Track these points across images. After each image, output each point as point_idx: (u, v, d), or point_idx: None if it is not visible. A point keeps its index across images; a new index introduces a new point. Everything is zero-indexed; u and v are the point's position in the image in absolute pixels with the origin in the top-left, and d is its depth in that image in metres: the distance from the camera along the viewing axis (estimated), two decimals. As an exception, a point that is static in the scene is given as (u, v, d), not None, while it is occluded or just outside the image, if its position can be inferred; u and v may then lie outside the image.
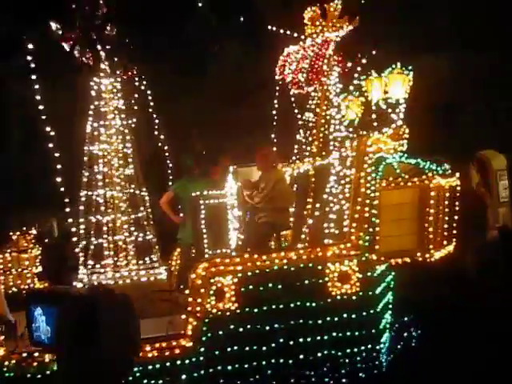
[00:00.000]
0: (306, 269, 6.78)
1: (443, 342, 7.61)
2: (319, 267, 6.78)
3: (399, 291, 8.14)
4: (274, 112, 8.90)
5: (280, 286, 6.69)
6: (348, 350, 6.81)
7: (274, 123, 8.85)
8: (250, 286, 6.65)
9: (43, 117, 6.42)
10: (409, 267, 7.51)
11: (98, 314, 5.95)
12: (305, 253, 6.86)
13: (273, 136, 8.94)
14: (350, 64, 8.15)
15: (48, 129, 6.47)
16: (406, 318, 7.88)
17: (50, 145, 6.46)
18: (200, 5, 19.75)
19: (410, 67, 7.88)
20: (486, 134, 20.74)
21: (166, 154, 8.60)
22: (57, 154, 6.36)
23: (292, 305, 6.70)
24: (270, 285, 6.68)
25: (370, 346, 6.87)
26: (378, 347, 6.92)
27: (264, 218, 7.93)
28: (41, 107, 6.41)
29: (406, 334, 7.75)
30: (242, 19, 19.71)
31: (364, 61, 7.80)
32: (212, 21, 19.79)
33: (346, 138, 7.60)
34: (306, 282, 6.73)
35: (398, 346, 7.51)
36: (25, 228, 8.22)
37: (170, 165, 8.77)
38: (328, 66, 8.11)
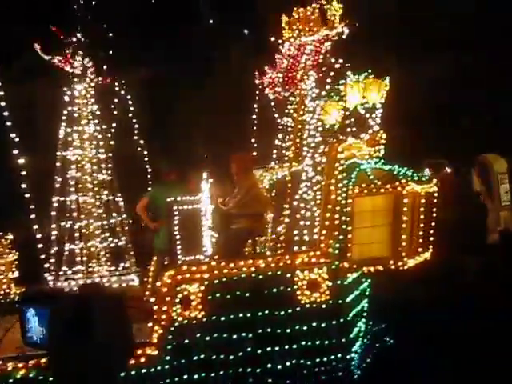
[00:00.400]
0: (274, 277, 6.68)
1: (419, 350, 7.48)
2: (288, 275, 6.68)
3: (378, 297, 8.08)
4: (254, 116, 8.79)
5: (248, 294, 6.59)
6: (317, 360, 6.70)
7: (255, 127, 8.75)
8: (217, 294, 6.56)
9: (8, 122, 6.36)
10: (387, 273, 7.38)
11: (93, 312, 5.93)
12: (273, 260, 6.74)
13: (253, 140, 8.84)
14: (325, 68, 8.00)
15: (13, 134, 6.41)
16: (382, 326, 7.75)
17: (15, 151, 6.40)
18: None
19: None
20: (487, 137, 20.57)
21: (145, 158, 8.51)
22: (21, 161, 6.31)
23: (260, 313, 6.60)
24: (238, 293, 6.59)
25: (340, 356, 6.76)
26: (348, 356, 6.82)
27: (238, 224, 7.84)
28: (6, 113, 6.35)
29: (380, 343, 7.61)
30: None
31: (337, 65, 7.64)
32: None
33: (320, 144, 7.47)
34: (275, 290, 6.64)
35: (371, 355, 7.37)
36: (1, 233, 8.17)
37: (150, 170, 8.70)
38: (304, 71, 7.97)
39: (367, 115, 7.83)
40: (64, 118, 7.56)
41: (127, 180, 8.90)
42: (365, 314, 7.53)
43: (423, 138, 21.60)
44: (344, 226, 6.88)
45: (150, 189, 8.64)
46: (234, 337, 6.55)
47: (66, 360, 5.89)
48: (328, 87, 8.08)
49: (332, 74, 7.73)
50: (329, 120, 8.56)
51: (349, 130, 7.85)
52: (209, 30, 17.78)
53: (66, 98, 7.57)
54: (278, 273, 6.69)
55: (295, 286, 6.67)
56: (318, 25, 8.00)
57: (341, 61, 7.78)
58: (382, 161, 7.66)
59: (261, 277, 6.66)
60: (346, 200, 6.93)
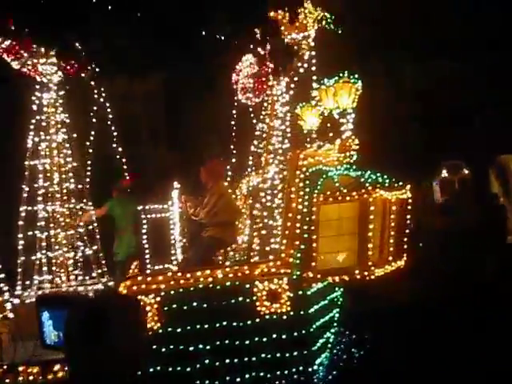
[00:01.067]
0: (232, 287, 6.48)
1: (391, 361, 7.24)
2: (246, 286, 6.48)
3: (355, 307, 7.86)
4: (233, 122, 8.62)
5: (205, 305, 6.41)
6: (277, 372, 6.48)
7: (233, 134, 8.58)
8: (174, 305, 6.39)
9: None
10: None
11: (108, 314, 5.92)
12: (231, 271, 6.55)
13: (232, 147, 8.67)
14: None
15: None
16: (353, 336, 7.48)
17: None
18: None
19: (356, 75, 7.48)
20: (504, 138, 20.08)
21: (124, 166, 8.41)
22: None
23: (217, 324, 6.41)
24: (195, 304, 6.41)
25: (301, 368, 6.53)
26: (310, 369, 6.58)
27: (209, 233, 7.69)
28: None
29: (349, 354, 7.35)
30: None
31: (302, 70, 7.43)
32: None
33: (289, 150, 7.27)
34: (233, 301, 6.44)
35: (340, 367, 7.13)
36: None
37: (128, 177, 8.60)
38: (274, 76, 7.78)
39: (341, 120, 7.62)
40: (32, 126, 7.50)
41: (103, 188, 8.83)
42: (334, 325, 7.28)
43: (439, 139, 21.17)
44: (307, 235, 6.69)
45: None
46: (191, 349, 6.38)
47: (80, 362, 5.89)
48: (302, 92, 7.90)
49: (297, 78, 7.49)
50: (306, 125, 8.39)
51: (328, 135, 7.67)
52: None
53: (34, 107, 7.51)
54: (237, 283, 6.50)
55: (254, 297, 6.47)
56: (289, 29, 7.79)
57: (305, 65, 7.55)
58: (353, 167, 7.44)
59: (218, 287, 6.47)
60: (310, 208, 6.73)
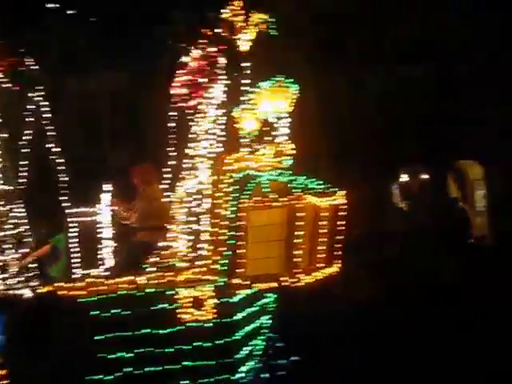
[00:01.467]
0: (155, 294, 6.33)
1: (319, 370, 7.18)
2: (169, 292, 6.34)
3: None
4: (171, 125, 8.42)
5: (127, 312, 6.25)
6: (200, 381, 6.37)
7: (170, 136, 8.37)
8: (95, 312, 6.22)
9: None
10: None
11: (50, 315, 5.81)
12: (155, 277, 6.40)
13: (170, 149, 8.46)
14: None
15: None
16: (281, 344, 7.39)
17: None
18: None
19: (292, 80, 7.37)
20: (463, 144, 20.17)
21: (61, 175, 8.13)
22: None
23: (139, 332, 6.26)
24: (117, 310, 6.24)
25: (225, 377, 6.41)
26: (234, 378, 6.46)
27: (139, 237, 7.53)
28: None
29: (277, 362, 7.25)
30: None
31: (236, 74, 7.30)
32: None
33: (215, 155, 7.13)
34: (156, 307, 6.29)
35: (264, 376, 7.02)
36: None
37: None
38: (209, 79, 7.62)
39: (276, 124, 7.51)
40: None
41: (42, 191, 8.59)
42: (264, 332, 7.18)
43: (400, 144, 21.19)
44: (234, 241, 6.55)
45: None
46: (111, 357, 6.22)
47: (25, 363, 5.80)
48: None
49: (233, 81, 7.35)
50: (245, 129, 8.24)
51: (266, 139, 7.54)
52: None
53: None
54: (160, 290, 6.36)
55: (177, 304, 6.34)
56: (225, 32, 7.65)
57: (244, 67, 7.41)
58: (287, 172, 7.33)
59: (141, 294, 6.32)
60: (237, 214, 6.59)
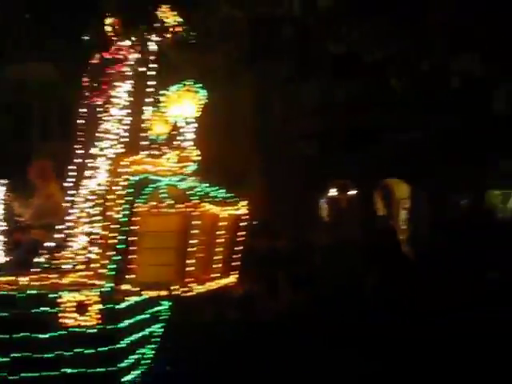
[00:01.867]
0: (36, 296, 6.04)
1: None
2: (52, 295, 6.06)
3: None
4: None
5: (4, 314, 5.95)
6: (81, 388, 6.11)
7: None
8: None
9: None
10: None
11: None
12: (38, 278, 6.12)
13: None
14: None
15: None
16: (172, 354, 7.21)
17: None
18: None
19: (200, 85, 7.22)
20: (390, 163, 20.45)
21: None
22: None
23: (17, 335, 5.96)
24: (-6, 312, 5.95)
25: (105, 385, 6.17)
26: (115, 386, 6.23)
27: (32, 236, 7.23)
28: None
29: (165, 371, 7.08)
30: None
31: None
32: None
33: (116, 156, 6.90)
34: (35, 310, 6.01)
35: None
36: None
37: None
38: (117, 77, 7.41)
39: (182, 129, 7.36)
40: None
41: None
42: (154, 340, 6.97)
43: (333, 160, 21.31)
44: (123, 246, 6.33)
45: None
46: (-14, 360, 5.91)
47: None
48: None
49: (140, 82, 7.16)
50: (155, 131, 8.05)
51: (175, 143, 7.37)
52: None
53: None
54: (41, 292, 6.08)
55: (59, 308, 6.06)
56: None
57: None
58: (191, 178, 7.17)
59: (20, 295, 6.03)
60: (130, 218, 6.37)
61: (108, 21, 7.76)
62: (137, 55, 7.51)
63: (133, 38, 7.58)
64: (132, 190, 6.44)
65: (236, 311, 11.17)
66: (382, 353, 8.44)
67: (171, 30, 7.90)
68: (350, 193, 21.78)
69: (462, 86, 18.78)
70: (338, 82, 20.17)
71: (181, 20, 7.97)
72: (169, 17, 7.96)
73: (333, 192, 22.03)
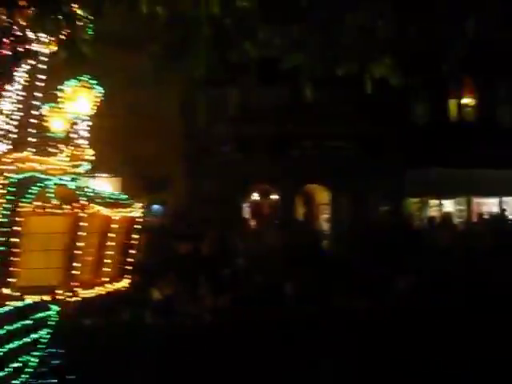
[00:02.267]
0: None
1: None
2: None
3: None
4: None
5: None
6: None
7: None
8: None
9: None
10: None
11: None
12: None
13: None
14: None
15: None
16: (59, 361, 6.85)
17: None
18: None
19: (96, 82, 6.91)
20: (312, 169, 20.54)
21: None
22: None
23: None
24: None
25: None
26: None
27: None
28: None
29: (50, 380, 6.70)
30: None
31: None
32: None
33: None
34: None
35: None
36: None
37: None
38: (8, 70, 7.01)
39: (75, 127, 7.02)
40: None
41: None
42: (40, 347, 6.59)
43: (256, 164, 21.26)
44: (5, 248, 5.94)
45: None
46: None
47: None
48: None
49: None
50: (53, 127, 7.67)
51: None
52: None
53: None
54: None
55: None
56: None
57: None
58: (80, 178, 6.84)
59: None
60: (13, 218, 6.01)
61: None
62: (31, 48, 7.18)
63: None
64: (14, 189, 6.10)
65: (154, 314, 10.87)
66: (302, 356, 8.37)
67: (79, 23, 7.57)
68: (271, 197, 21.85)
69: (380, 96, 18.98)
70: (261, 86, 20.15)
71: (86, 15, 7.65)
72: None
73: (255, 196, 22.03)
